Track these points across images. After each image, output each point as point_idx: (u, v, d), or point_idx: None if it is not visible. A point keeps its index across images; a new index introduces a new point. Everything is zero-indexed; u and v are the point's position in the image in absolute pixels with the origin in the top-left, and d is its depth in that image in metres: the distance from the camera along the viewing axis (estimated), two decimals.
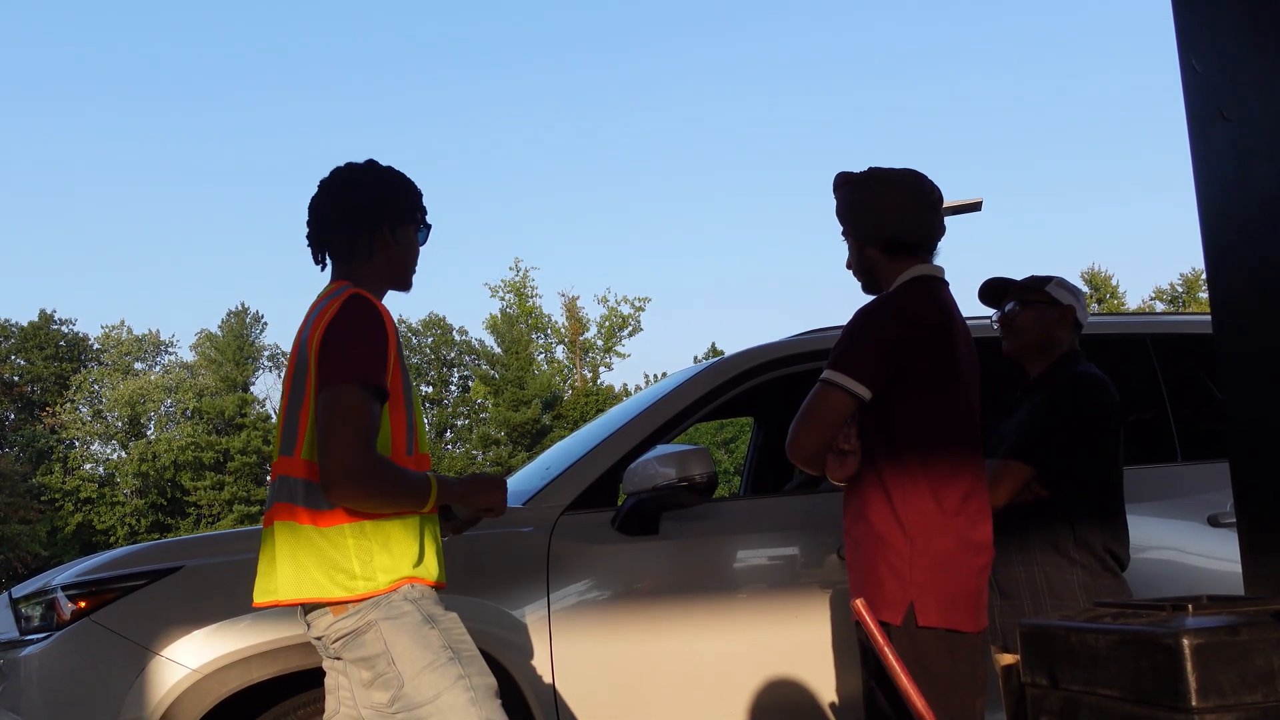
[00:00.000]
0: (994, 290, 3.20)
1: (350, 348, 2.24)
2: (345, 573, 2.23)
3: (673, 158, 63.76)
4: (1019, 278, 3.19)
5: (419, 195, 2.51)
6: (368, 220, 2.42)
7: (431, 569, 2.32)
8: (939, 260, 2.74)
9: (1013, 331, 3.13)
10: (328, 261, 2.48)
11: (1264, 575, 1.79)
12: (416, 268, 2.53)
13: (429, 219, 2.54)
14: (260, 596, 2.34)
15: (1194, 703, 1.38)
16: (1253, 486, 1.86)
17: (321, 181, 2.48)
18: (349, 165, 2.49)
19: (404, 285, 2.51)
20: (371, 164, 2.49)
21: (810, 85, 63.07)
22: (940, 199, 2.73)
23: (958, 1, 62.14)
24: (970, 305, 3.05)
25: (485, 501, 2.47)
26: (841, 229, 2.78)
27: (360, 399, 2.20)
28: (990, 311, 3.27)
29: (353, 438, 2.17)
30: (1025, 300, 3.12)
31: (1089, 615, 1.67)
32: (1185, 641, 1.40)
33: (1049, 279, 3.14)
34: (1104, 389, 3.00)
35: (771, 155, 63.46)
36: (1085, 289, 42.23)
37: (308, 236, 2.48)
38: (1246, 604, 1.56)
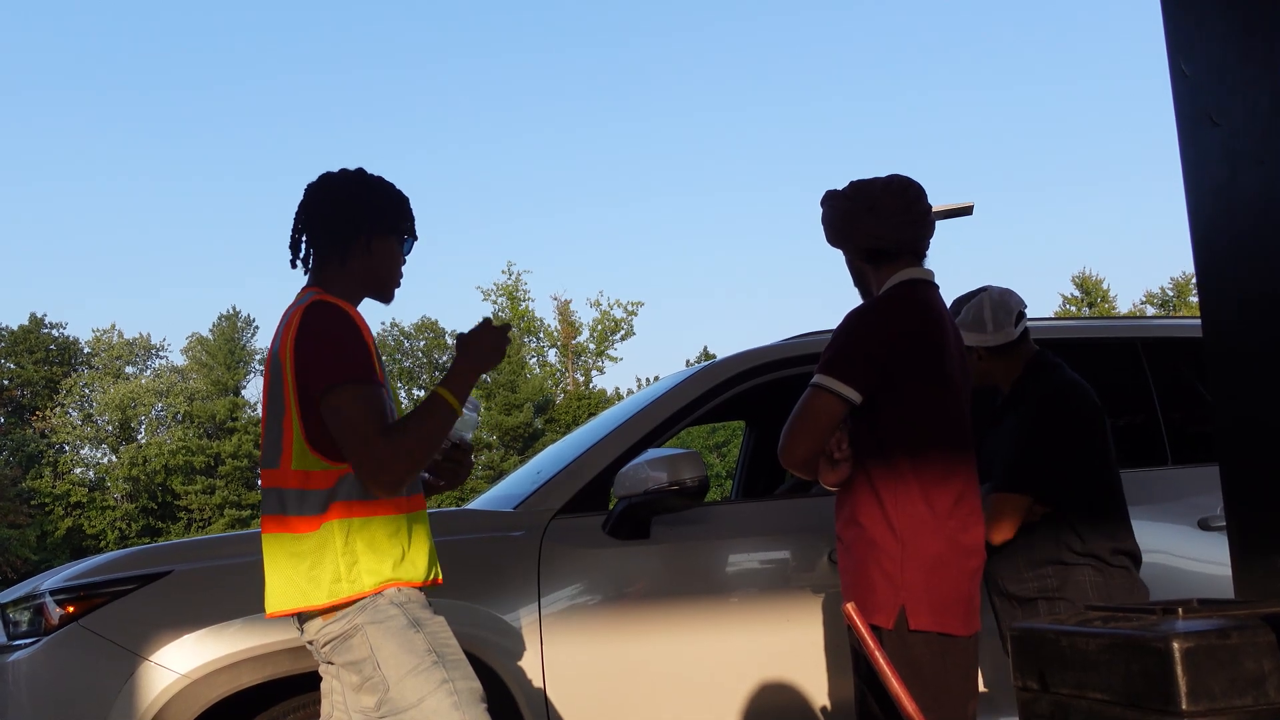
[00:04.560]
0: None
1: (328, 352, 2.25)
2: (331, 577, 2.24)
3: (666, 161, 63.87)
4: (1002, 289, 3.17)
5: (404, 206, 2.47)
6: (345, 229, 2.40)
7: (419, 568, 2.32)
8: (929, 263, 2.75)
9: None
10: (303, 265, 2.47)
11: (1254, 579, 1.79)
12: (400, 280, 2.49)
13: (416, 232, 2.50)
14: (268, 608, 2.38)
15: (1184, 706, 1.38)
16: (1243, 490, 1.86)
17: (308, 186, 2.47)
18: (336, 172, 2.48)
19: (383, 296, 2.49)
20: (359, 172, 2.48)
21: (803, 88, 63.22)
22: (923, 201, 2.72)
23: (950, 6, 62.36)
24: None
25: (492, 359, 2.35)
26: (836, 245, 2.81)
27: (359, 394, 2.22)
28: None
29: (367, 435, 2.20)
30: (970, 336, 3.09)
31: (1079, 619, 1.67)
32: (1175, 645, 1.40)
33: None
34: (1083, 395, 3.00)
35: (764, 158, 63.61)
36: (1077, 293, 42.56)
37: (290, 241, 2.47)
38: (1236, 607, 1.56)
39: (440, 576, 2.39)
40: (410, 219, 2.49)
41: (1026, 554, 2.95)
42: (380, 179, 2.48)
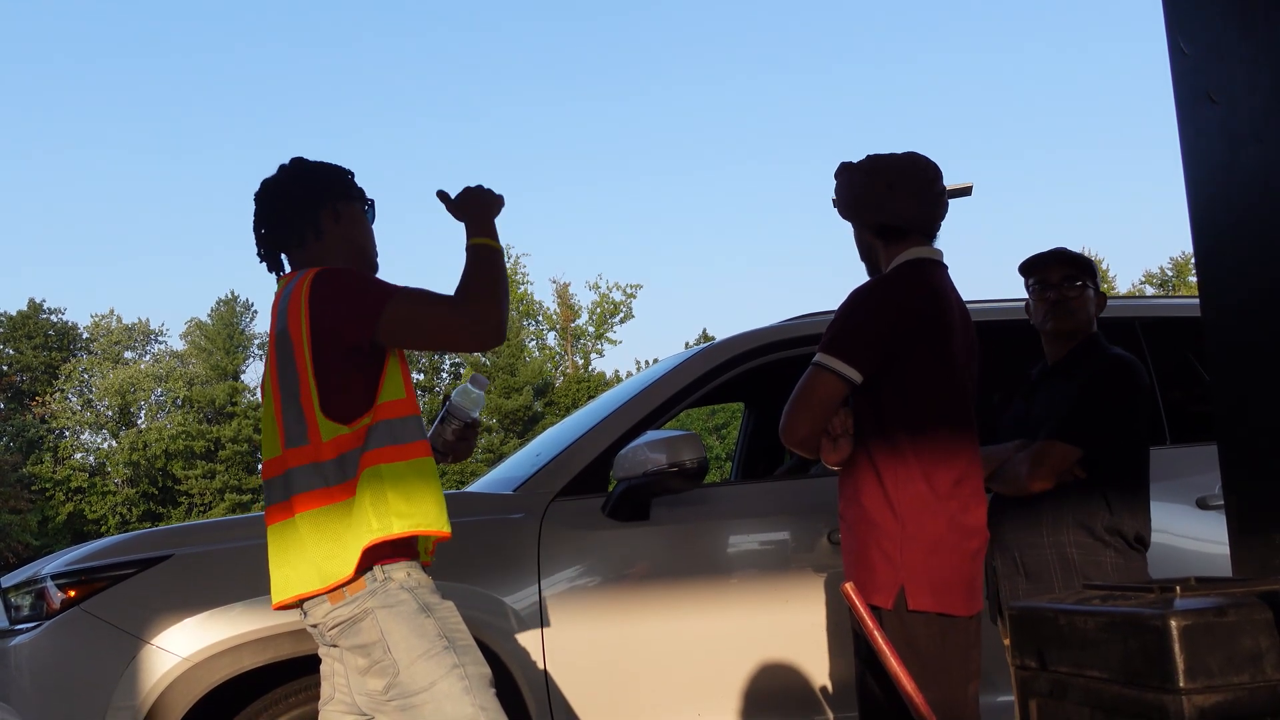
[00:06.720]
0: (1061, 260, 3.04)
1: (354, 296, 2.27)
2: (364, 526, 2.22)
3: (665, 143, 63.70)
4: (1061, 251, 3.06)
5: (350, 175, 2.52)
6: (307, 208, 2.44)
7: (444, 520, 2.31)
8: (938, 244, 2.74)
9: (1069, 312, 3.02)
10: (284, 267, 2.50)
11: (1252, 557, 1.80)
12: (377, 248, 2.53)
13: (370, 199, 2.54)
14: (281, 594, 2.32)
15: (1182, 684, 1.39)
16: (1241, 469, 1.86)
17: (254, 196, 2.50)
18: (272, 174, 2.51)
19: (368, 266, 2.51)
20: (295, 160, 2.52)
21: (803, 68, 63.01)
22: (939, 182, 2.72)
23: None
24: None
25: (494, 204, 2.43)
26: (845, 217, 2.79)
27: (407, 294, 2.26)
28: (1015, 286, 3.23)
29: (436, 312, 2.25)
30: (1088, 283, 3.04)
31: (1077, 597, 1.68)
32: (1173, 623, 1.40)
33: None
34: (1141, 373, 2.98)
35: (763, 139, 63.44)
36: None
37: (258, 254, 2.50)
38: (1234, 585, 1.57)
39: (449, 529, 2.34)
40: (359, 187, 2.52)
41: (1052, 519, 2.89)
42: (318, 160, 2.52)
